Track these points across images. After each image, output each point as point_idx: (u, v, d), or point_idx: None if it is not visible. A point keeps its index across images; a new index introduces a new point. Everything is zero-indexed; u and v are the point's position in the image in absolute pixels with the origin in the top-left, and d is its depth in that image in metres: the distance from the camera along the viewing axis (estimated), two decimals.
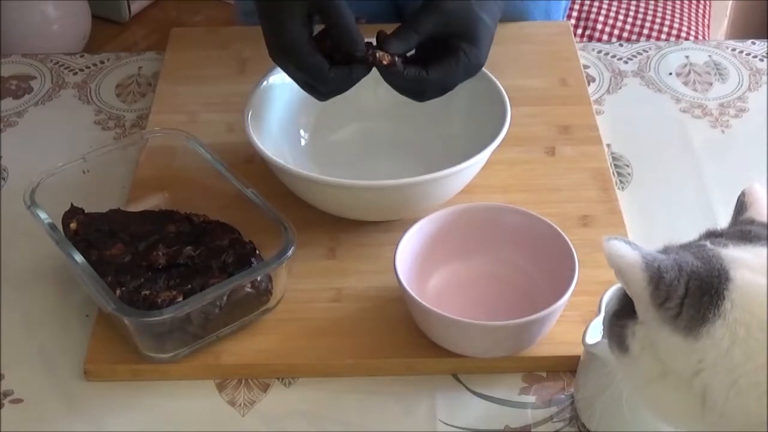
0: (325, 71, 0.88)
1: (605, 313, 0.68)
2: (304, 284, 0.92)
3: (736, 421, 0.59)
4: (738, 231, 0.63)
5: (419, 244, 0.89)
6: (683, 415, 0.62)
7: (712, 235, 0.64)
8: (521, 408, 0.84)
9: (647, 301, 0.60)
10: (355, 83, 0.90)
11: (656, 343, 0.61)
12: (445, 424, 0.83)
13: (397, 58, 0.89)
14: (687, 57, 1.22)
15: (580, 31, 1.70)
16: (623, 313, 0.64)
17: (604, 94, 1.16)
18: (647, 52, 1.23)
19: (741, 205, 0.66)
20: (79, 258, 0.85)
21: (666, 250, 0.62)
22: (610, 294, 0.73)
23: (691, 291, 0.59)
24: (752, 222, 0.64)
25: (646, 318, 0.61)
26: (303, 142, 1.05)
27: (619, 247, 0.60)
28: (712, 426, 0.60)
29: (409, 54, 0.90)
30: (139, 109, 1.15)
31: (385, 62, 0.88)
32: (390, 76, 0.89)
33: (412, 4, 0.96)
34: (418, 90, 0.90)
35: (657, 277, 0.59)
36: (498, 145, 0.93)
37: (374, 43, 0.89)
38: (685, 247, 0.63)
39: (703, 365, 0.59)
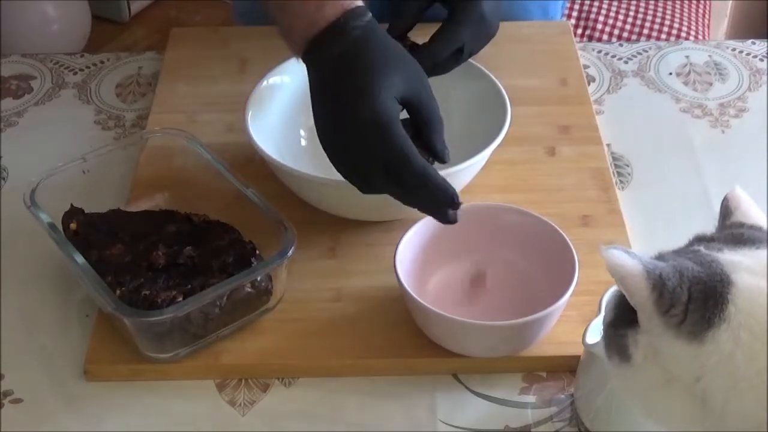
0: (415, 155, 0.77)
1: (603, 322, 0.68)
2: (304, 284, 0.92)
3: (734, 425, 0.59)
4: (729, 235, 0.64)
5: (419, 244, 0.89)
6: (685, 421, 0.61)
7: (703, 239, 0.64)
8: (521, 408, 0.84)
9: (651, 309, 0.60)
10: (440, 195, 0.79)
11: (660, 351, 0.60)
12: (445, 424, 0.83)
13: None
14: (687, 57, 1.22)
15: (580, 31, 1.70)
16: (621, 322, 0.64)
17: (604, 94, 1.16)
18: (647, 52, 1.23)
19: (726, 210, 0.66)
20: (79, 258, 0.85)
21: (661, 257, 0.62)
22: (609, 294, 0.73)
23: (694, 297, 0.58)
24: (742, 225, 0.64)
25: (650, 326, 0.60)
26: (303, 142, 1.05)
27: (618, 256, 0.60)
28: (711, 429, 0.60)
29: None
30: (139, 109, 1.15)
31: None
32: (430, 54, 0.90)
33: (411, 4, 0.95)
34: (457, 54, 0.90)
35: (660, 285, 0.59)
36: (498, 145, 0.93)
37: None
38: (679, 253, 0.63)
39: (705, 370, 0.58)
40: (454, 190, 0.79)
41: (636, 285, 0.59)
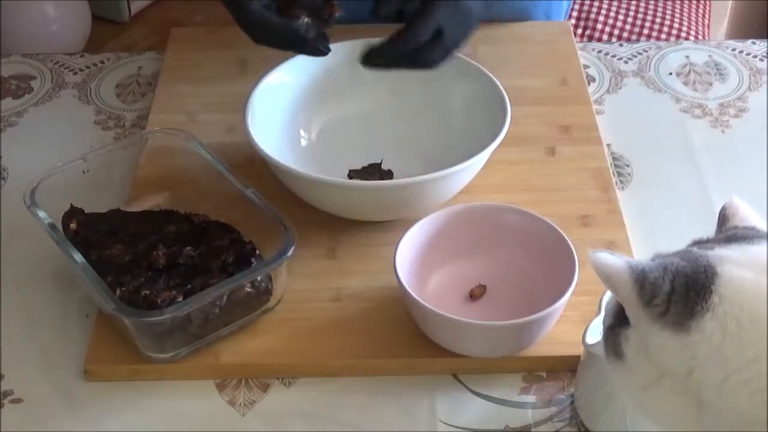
0: (248, 13, 0.89)
1: (602, 326, 0.68)
2: (304, 284, 0.92)
3: (730, 421, 0.59)
4: (723, 237, 0.65)
5: (419, 244, 0.89)
6: (681, 419, 0.62)
7: (699, 243, 0.65)
8: (521, 408, 0.84)
9: (635, 302, 0.61)
10: (282, 41, 0.91)
11: (649, 344, 0.61)
12: (445, 424, 0.83)
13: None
14: (687, 57, 1.22)
15: (580, 31, 1.70)
16: (617, 323, 0.65)
17: (604, 94, 1.16)
18: (647, 52, 1.23)
19: (723, 218, 0.67)
20: (79, 258, 0.85)
21: (655, 258, 0.64)
22: (609, 296, 0.73)
23: (677, 288, 0.60)
24: (737, 227, 0.65)
25: (637, 320, 0.62)
26: (303, 142, 1.05)
27: (604, 257, 0.62)
28: (708, 428, 0.60)
29: None
30: (139, 109, 1.15)
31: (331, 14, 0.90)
32: (395, 44, 0.89)
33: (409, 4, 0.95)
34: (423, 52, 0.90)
35: (642, 278, 0.61)
36: (498, 145, 0.93)
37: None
38: (674, 254, 0.64)
39: (696, 362, 0.59)
40: (297, 28, 0.90)
41: (620, 280, 0.61)
